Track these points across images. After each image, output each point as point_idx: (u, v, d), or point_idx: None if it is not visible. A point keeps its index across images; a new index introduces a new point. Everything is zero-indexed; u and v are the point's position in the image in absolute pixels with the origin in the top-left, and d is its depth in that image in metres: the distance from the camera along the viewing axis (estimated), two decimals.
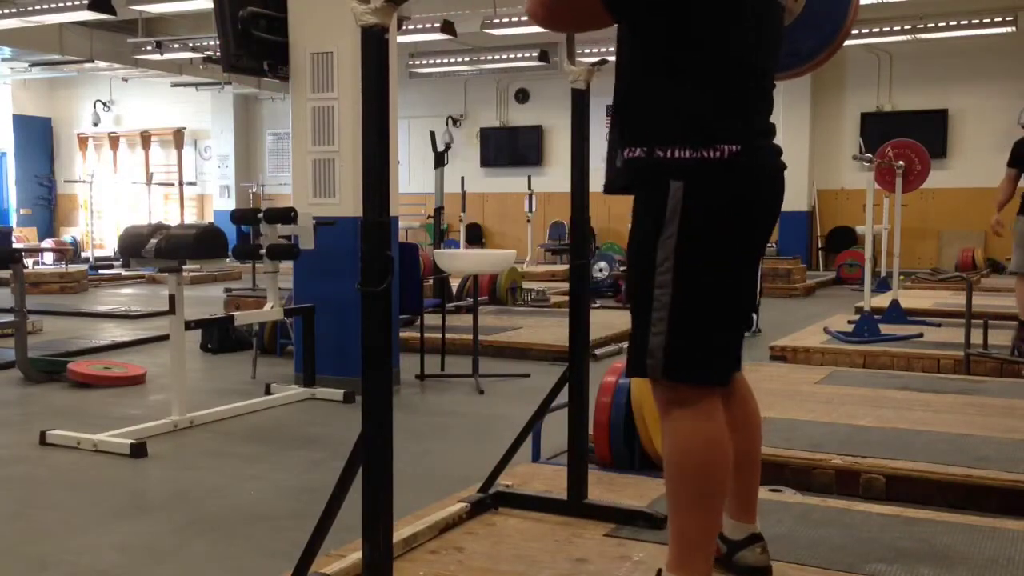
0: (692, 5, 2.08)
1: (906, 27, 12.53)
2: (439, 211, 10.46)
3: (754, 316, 7.17)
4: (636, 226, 2.20)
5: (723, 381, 2.22)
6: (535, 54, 14.46)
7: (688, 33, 2.10)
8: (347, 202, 5.61)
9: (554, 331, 7.29)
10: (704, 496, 2.16)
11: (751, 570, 2.45)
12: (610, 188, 2.35)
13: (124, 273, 13.76)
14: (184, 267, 4.84)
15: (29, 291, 7.64)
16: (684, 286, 2.11)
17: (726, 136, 2.09)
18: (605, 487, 3.16)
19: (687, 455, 2.15)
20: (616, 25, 2.26)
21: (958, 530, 2.86)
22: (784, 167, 2.27)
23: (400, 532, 2.67)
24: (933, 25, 12.46)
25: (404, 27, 11.39)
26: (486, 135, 17.41)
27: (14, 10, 11.62)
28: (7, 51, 15.32)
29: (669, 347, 2.13)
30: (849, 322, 7.19)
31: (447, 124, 17.34)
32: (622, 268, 11.00)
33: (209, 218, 18.44)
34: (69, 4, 10.94)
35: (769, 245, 10.70)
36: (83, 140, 20.15)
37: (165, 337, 5.54)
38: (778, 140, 2.26)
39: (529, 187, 15.12)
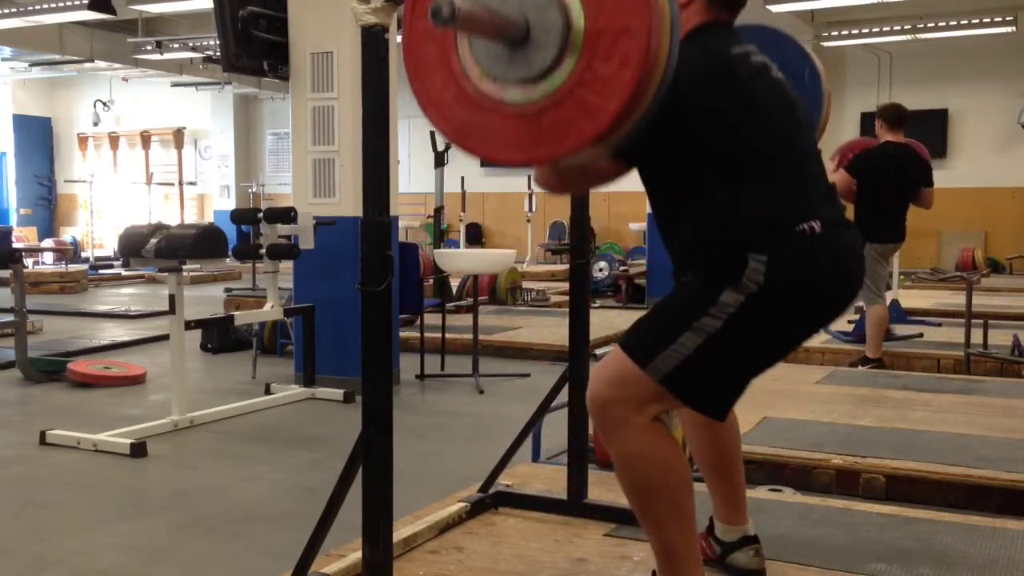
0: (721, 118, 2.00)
1: (906, 27, 12.51)
2: (439, 211, 10.43)
3: None
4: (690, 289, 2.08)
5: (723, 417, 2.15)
6: None
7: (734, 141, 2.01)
8: (347, 202, 5.62)
9: (554, 331, 7.29)
10: (673, 509, 2.08)
11: (743, 572, 2.45)
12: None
13: (124, 273, 13.74)
14: (184, 267, 4.85)
15: (29, 291, 7.63)
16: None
17: (804, 217, 2.01)
18: (605, 487, 3.14)
19: (644, 473, 2.07)
20: None
21: (958, 530, 2.86)
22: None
23: (400, 532, 2.67)
24: (933, 25, 12.44)
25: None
26: None
27: (14, 10, 11.61)
28: (7, 51, 15.31)
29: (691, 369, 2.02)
30: (849, 322, 7.17)
31: None
32: (622, 268, 11.00)
33: (209, 218, 18.41)
34: (69, 4, 10.92)
35: None
36: (83, 140, 20.13)
37: (165, 337, 5.54)
38: None
39: (529, 187, 15.07)
